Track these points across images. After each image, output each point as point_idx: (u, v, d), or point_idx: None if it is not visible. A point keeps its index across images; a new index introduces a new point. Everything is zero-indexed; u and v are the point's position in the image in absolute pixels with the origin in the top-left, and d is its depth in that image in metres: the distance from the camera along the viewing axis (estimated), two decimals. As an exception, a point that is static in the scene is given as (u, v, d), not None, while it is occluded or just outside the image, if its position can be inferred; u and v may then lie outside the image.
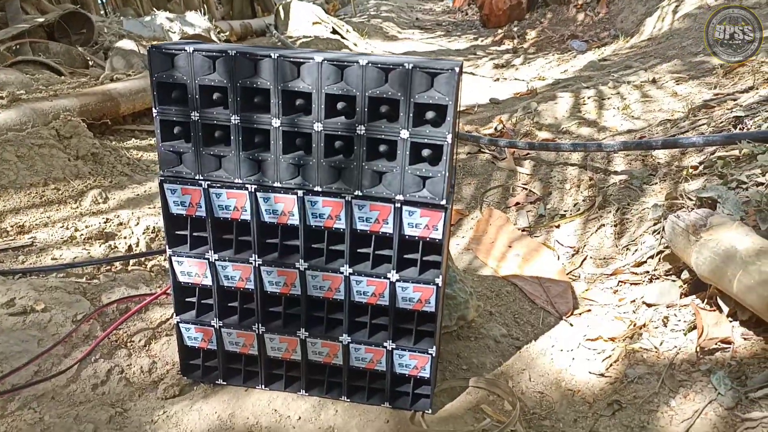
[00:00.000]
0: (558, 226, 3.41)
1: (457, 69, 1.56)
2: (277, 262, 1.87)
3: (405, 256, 1.83)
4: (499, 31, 11.80)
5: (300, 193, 1.76)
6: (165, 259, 2.71)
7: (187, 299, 2.02)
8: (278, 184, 1.76)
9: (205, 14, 7.40)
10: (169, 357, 2.20)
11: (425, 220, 1.74)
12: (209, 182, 1.80)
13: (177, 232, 1.92)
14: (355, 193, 1.73)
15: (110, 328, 2.18)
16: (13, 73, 3.57)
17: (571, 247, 3.17)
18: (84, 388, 1.95)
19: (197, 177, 1.80)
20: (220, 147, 1.77)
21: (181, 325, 2.02)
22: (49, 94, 3.22)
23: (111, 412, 1.90)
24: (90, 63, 4.78)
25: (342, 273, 1.85)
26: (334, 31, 9.08)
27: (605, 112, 5.21)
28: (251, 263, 1.89)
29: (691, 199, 2.80)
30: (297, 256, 1.87)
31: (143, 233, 2.75)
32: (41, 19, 5.10)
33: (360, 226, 1.79)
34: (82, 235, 2.61)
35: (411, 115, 1.61)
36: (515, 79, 8.03)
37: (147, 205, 2.95)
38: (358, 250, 1.85)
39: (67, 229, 2.62)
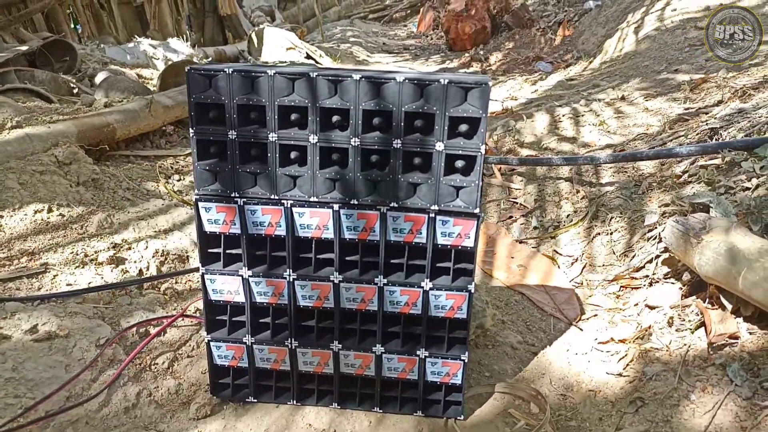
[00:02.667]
0: (554, 237, 3.53)
1: (490, 83, 1.65)
2: (312, 275, 1.91)
3: (437, 265, 1.89)
4: (466, 54, 12.12)
5: (336, 206, 1.81)
6: (177, 282, 2.70)
7: (217, 317, 2.02)
8: (314, 199, 1.81)
9: (187, 41, 7.41)
10: (194, 378, 2.19)
11: (458, 228, 1.81)
12: (245, 199, 1.83)
13: (210, 250, 1.93)
14: (391, 204, 1.79)
15: (134, 352, 2.16)
16: (6, 100, 3.51)
17: (569, 256, 3.28)
18: (116, 411, 1.92)
19: (233, 194, 1.83)
20: (256, 164, 1.81)
21: (212, 343, 2.02)
22: (47, 121, 3.18)
23: (146, 435, 1.88)
24: (75, 90, 4.74)
25: (376, 284, 1.89)
26: (308, 56, 9.19)
27: (582, 128, 5.43)
28: (285, 278, 1.91)
29: (683, 205, 2.95)
30: (330, 269, 1.91)
31: (153, 257, 2.73)
32: (25, 48, 5.03)
33: (393, 237, 1.85)
34: (92, 260, 2.58)
35: (446, 128, 1.69)
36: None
37: (153, 230, 2.94)
38: (391, 261, 1.90)
39: (77, 254, 2.58)
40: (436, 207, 1.77)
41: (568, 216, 3.70)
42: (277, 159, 1.78)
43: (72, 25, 7.71)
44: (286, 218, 1.84)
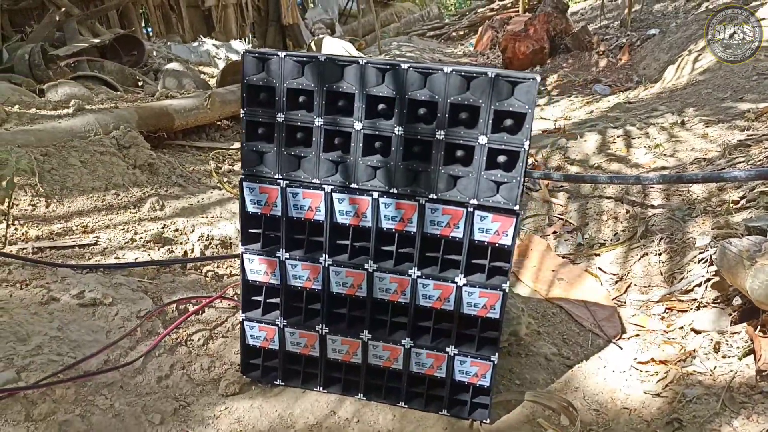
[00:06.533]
0: (598, 255, 3.43)
1: (538, 78, 1.64)
2: (347, 263, 1.92)
3: (472, 261, 1.87)
4: (523, 74, 11.99)
5: (375, 194, 1.83)
6: (218, 266, 2.78)
7: (253, 297, 2.07)
8: (355, 186, 1.83)
9: (249, 43, 7.67)
10: (227, 357, 2.24)
11: (496, 225, 1.79)
12: (288, 181, 1.87)
13: (250, 231, 1.98)
14: (430, 196, 1.79)
15: (172, 326, 2.22)
16: (76, 86, 3.74)
17: (614, 275, 3.19)
18: (149, 380, 1.99)
19: (276, 176, 1.87)
20: (301, 148, 1.85)
21: (245, 323, 2.06)
22: (110, 107, 3.36)
23: (175, 405, 1.93)
24: (140, 83, 5.00)
25: (410, 276, 1.89)
26: (364, 67, 9.32)
27: (635, 150, 5.29)
28: (321, 263, 1.94)
29: (737, 229, 2.83)
30: (366, 257, 1.92)
31: (198, 240, 2.82)
32: (97, 40, 5.36)
33: (431, 230, 1.84)
34: (141, 238, 2.68)
35: (490, 121, 1.69)
36: (541, 118, 8.18)
37: (200, 215, 3.04)
38: (426, 254, 1.90)
39: (128, 231, 2.70)
40: (475, 201, 1.76)
41: (615, 235, 3.60)
42: (321, 143, 1.82)
43: (143, 25, 8.13)
44: (325, 203, 1.87)
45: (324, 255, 1.93)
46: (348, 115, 1.79)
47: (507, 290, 1.84)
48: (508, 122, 1.69)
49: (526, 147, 1.68)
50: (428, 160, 1.77)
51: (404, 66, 1.70)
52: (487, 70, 1.66)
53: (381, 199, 1.83)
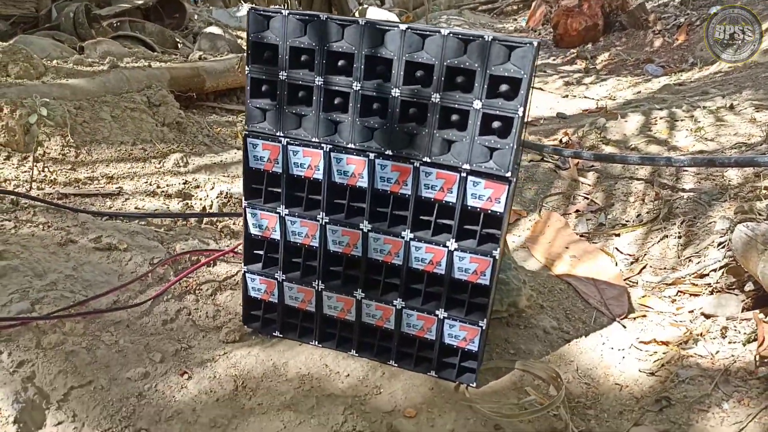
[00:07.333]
0: (618, 235, 3.37)
1: (534, 43, 1.62)
2: (343, 221, 1.97)
3: (464, 227, 1.89)
4: (572, 50, 11.65)
5: (371, 155, 1.86)
6: (234, 223, 2.88)
7: (255, 251, 2.15)
8: (352, 146, 1.87)
9: (287, 8, 7.71)
10: (232, 308, 2.34)
11: (489, 191, 1.80)
12: (289, 139, 1.92)
13: (253, 186, 2.05)
14: (424, 159, 1.81)
15: (182, 274, 2.34)
16: (114, 44, 3.89)
17: (630, 255, 3.13)
18: (155, 322, 2.11)
19: (278, 134, 1.93)
20: (302, 107, 1.90)
21: (247, 275, 2.15)
22: (144, 65, 3.49)
23: (177, 346, 2.05)
24: (179, 44, 5.15)
25: (403, 238, 1.93)
26: (407, 39, 9.21)
27: (676, 133, 5.10)
28: (318, 221, 1.99)
29: (761, 214, 2.72)
30: (362, 217, 1.96)
31: (216, 197, 2.93)
32: (140, 2, 5.55)
33: (425, 193, 1.87)
34: (162, 191, 2.81)
35: (485, 86, 1.68)
36: (585, 97, 7.94)
37: (222, 173, 3.14)
38: (420, 217, 1.92)
39: (150, 184, 2.82)
40: (468, 166, 1.77)
41: (638, 216, 3.52)
42: (321, 103, 1.85)
43: (189, -11, 8.33)
44: (324, 162, 1.92)
45: (322, 213, 1.98)
46: (348, 75, 1.81)
47: (497, 257, 1.85)
48: (504, 88, 1.68)
49: (521, 113, 1.68)
50: (424, 123, 1.79)
51: (402, 27, 1.71)
52: (485, 34, 1.65)
53: (377, 161, 1.86)
